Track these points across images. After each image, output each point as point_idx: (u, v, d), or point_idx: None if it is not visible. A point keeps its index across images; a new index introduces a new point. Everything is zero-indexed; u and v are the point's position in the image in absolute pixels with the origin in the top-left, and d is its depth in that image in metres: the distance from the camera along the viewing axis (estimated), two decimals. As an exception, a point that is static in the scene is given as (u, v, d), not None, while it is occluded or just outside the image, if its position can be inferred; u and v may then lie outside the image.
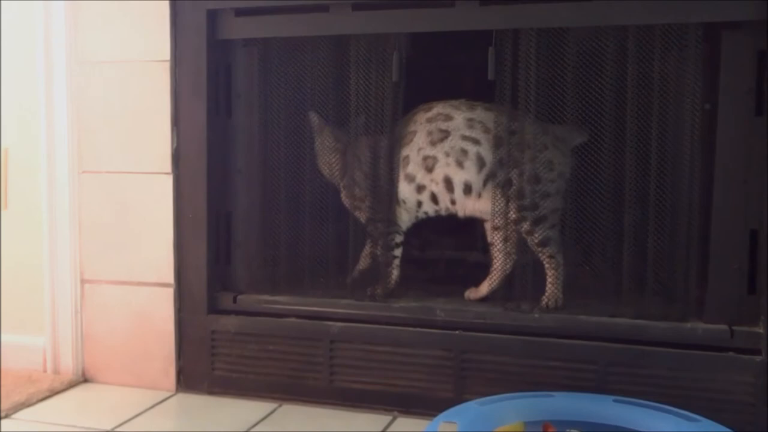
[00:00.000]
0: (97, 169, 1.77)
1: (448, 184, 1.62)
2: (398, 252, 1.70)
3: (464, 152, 1.60)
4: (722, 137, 1.45)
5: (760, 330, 1.43)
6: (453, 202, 1.64)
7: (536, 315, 1.54)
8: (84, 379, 1.80)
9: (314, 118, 1.73)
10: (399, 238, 1.70)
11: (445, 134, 1.61)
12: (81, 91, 1.76)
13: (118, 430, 1.51)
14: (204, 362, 1.71)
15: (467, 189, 1.62)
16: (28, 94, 1.81)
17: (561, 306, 1.57)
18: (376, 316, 1.62)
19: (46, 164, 1.79)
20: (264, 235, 1.75)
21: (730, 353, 1.43)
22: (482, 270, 1.67)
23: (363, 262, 1.75)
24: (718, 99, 1.44)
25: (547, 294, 1.58)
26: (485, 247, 1.68)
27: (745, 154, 1.44)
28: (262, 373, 1.68)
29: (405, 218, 1.69)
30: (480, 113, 1.61)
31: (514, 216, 1.58)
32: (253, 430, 1.52)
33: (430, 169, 1.63)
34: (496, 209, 1.60)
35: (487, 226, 1.66)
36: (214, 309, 1.72)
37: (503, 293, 1.61)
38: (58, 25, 1.76)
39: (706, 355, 1.44)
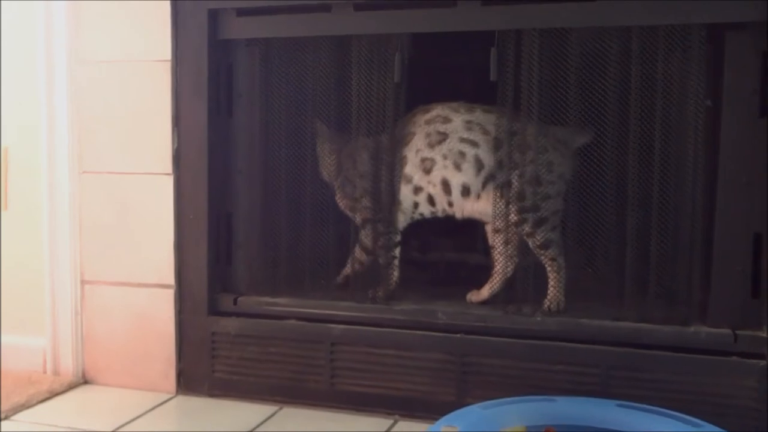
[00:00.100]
0: (98, 170, 1.76)
1: (446, 186, 1.62)
2: (396, 252, 1.69)
3: (462, 155, 1.60)
4: (726, 139, 1.44)
5: (764, 334, 1.42)
6: (450, 204, 1.64)
7: (538, 318, 1.53)
8: (84, 380, 1.79)
9: (318, 125, 1.72)
10: (397, 238, 1.69)
11: (443, 136, 1.61)
12: (82, 90, 1.76)
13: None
14: (204, 364, 1.71)
15: (465, 191, 1.61)
16: (29, 93, 1.80)
17: (563, 309, 1.56)
18: (378, 319, 1.61)
19: (46, 164, 1.78)
20: (265, 236, 1.74)
21: (734, 357, 1.42)
22: (484, 272, 1.66)
23: (349, 267, 1.75)
24: (722, 100, 1.43)
25: (549, 297, 1.57)
26: (487, 249, 1.68)
27: (749, 156, 1.42)
28: (262, 375, 1.67)
29: (400, 219, 1.68)
30: (479, 115, 1.60)
31: (514, 218, 1.58)
32: (253, 432, 1.52)
33: (427, 171, 1.63)
34: (497, 212, 1.60)
35: (488, 228, 1.65)
36: (214, 311, 1.71)
37: (505, 296, 1.60)
38: (59, 24, 1.75)
39: (709, 360, 1.43)
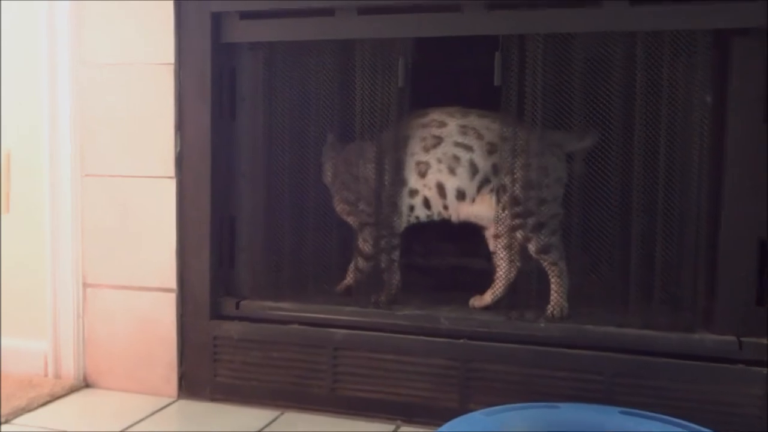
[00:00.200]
0: (100, 173, 1.75)
1: (441, 189, 1.63)
2: (395, 255, 1.68)
3: (456, 159, 1.61)
4: (731, 144, 1.43)
5: (769, 342, 1.41)
6: (446, 208, 1.65)
7: (542, 324, 1.53)
8: (85, 384, 1.79)
9: (328, 135, 1.73)
10: (394, 241, 1.68)
11: (438, 140, 1.61)
12: (84, 93, 1.75)
13: (118, 437, 1.51)
14: (206, 368, 1.70)
15: (460, 195, 1.62)
16: (31, 96, 1.80)
17: (566, 315, 1.55)
18: (380, 324, 1.60)
19: (48, 167, 1.78)
20: (268, 239, 1.74)
21: (739, 365, 1.41)
22: (487, 277, 1.66)
23: (350, 278, 1.75)
24: (728, 106, 1.43)
25: (551, 303, 1.56)
26: (489, 254, 1.67)
27: (755, 162, 1.42)
28: (264, 380, 1.66)
29: (397, 222, 1.68)
30: (473, 120, 1.61)
31: (511, 223, 1.57)
32: (255, 438, 1.51)
33: (422, 175, 1.63)
34: (493, 217, 1.60)
35: (488, 234, 1.65)
36: (216, 315, 1.71)
37: (508, 302, 1.60)
38: (61, 27, 1.75)
39: (714, 367, 1.42)
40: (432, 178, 1.63)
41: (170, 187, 1.70)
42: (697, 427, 1.30)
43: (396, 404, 1.58)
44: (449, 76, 1.75)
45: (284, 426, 1.57)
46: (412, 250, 1.81)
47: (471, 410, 1.41)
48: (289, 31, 1.64)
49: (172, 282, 1.71)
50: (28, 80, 1.80)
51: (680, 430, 1.30)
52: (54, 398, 1.69)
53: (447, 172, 1.61)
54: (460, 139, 1.61)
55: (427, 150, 1.62)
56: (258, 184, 1.72)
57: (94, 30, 1.73)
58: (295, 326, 1.65)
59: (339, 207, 1.74)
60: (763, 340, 1.41)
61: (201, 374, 1.71)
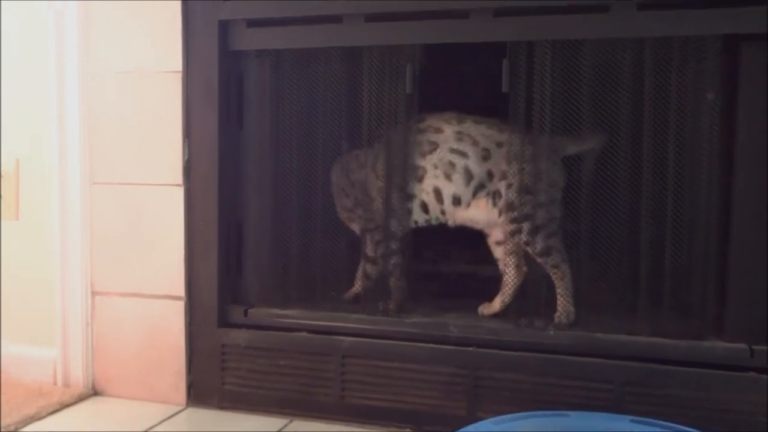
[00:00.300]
0: (109, 181, 1.76)
1: (438, 195, 1.64)
2: (397, 259, 1.68)
3: (452, 165, 1.62)
4: (741, 150, 1.42)
5: (781, 349, 1.40)
6: (443, 213, 1.66)
7: (551, 332, 1.52)
8: (94, 392, 1.79)
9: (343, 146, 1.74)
10: (393, 246, 1.68)
11: (434, 146, 1.62)
12: (93, 101, 1.76)
13: (127, 445, 1.51)
14: (214, 376, 1.70)
15: (456, 201, 1.63)
16: (40, 104, 1.80)
17: (573, 320, 1.55)
18: (388, 332, 1.60)
19: (57, 175, 1.78)
20: (275, 246, 1.74)
21: (750, 373, 1.40)
22: (496, 284, 1.65)
23: (358, 285, 1.75)
24: (737, 111, 1.42)
25: (558, 309, 1.55)
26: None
27: (765, 167, 1.41)
28: (272, 387, 1.66)
29: (395, 226, 1.68)
30: (469, 126, 1.62)
31: (509, 228, 1.58)
32: (263, 446, 1.51)
33: (419, 180, 1.64)
34: (488, 221, 1.62)
35: (490, 241, 1.66)
36: (224, 322, 1.70)
37: (517, 309, 1.59)
38: (70, 34, 1.75)
39: (725, 375, 1.41)
40: (429, 183, 1.64)
41: (178, 195, 1.70)
42: (709, 436, 1.29)
43: (404, 412, 1.57)
44: (457, 83, 1.75)
45: (292, 434, 1.58)
46: (420, 256, 1.80)
47: (480, 419, 1.41)
48: (297, 38, 1.63)
49: (180, 290, 1.71)
50: (36, 88, 1.80)
51: (691, 438, 1.29)
52: (63, 406, 1.69)
53: (443, 178, 1.63)
54: (455, 146, 1.62)
55: (423, 155, 1.63)
56: (265, 190, 1.72)
57: (103, 37, 1.74)
58: (303, 334, 1.65)
59: (342, 214, 1.75)
60: (775, 348, 1.40)
61: (209, 382, 1.71)
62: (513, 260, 1.61)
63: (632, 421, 1.36)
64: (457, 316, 1.62)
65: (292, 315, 1.67)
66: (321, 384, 1.63)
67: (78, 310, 1.78)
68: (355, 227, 1.74)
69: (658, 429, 1.33)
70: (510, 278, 1.62)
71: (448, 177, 1.62)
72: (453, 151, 1.62)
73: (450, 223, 1.67)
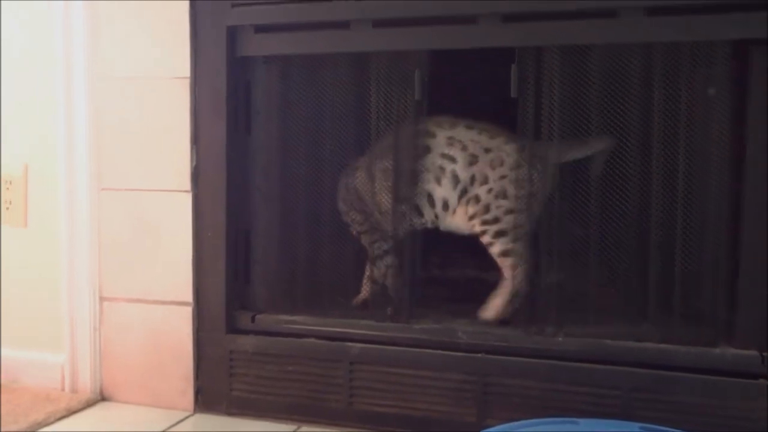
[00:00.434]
0: (117, 187, 1.76)
1: (430, 199, 1.65)
2: (389, 260, 1.69)
3: (442, 169, 1.64)
4: (752, 155, 1.41)
5: (792, 356, 1.39)
6: (436, 217, 1.67)
7: (560, 339, 1.51)
8: (102, 397, 1.79)
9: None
10: (384, 246, 1.71)
11: (427, 151, 1.64)
12: (100, 107, 1.76)
13: (135, 452, 1.51)
14: (222, 382, 1.70)
15: (445, 205, 1.65)
16: (48, 109, 1.80)
17: (503, 318, 1.59)
18: (397, 338, 1.59)
19: (65, 181, 1.78)
20: (283, 252, 1.74)
21: (761, 380, 1.39)
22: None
23: (365, 291, 1.75)
24: (747, 117, 1.41)
25: (488, 305, 1.61)
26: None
27: (776, 173, 1.40)
28: (280, 394, 1.66)
29: (389, 228, 1.69)
30: (460, 131, 1.64)
31: (477, 229, 1.61)
32: (271, 453, 1.51)
33: (413, 183, 1.65)
34: (465, 227, 1.65)
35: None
36: (232, 328, 1.70)
37: (526, 316, 1.58)
38: (77, 40, 1.75)
39: (735, 382, 1.40)
40: (422, 187, 1.65)
41: (186, 201, 1.70)
42: (720, 444, 1.28)
43: (413, 419, 1.57)
44: (465, 88, 1.74)
45: (301, 441, 1.57)
46: (429, 261, 1.80)
47: (489, 425, 1.40)
48: (304, 44, 1.63)
49: (188, 295, 1.71)
50: (44, 94, 1.81)
51: (702, 446, 1.28)
52: (71, 412, 1.69)
53: (434, 182, 1.65)
54: (446, 150, 1.64)
55: (416, 159, 1.64)
56: (273, 197, 1.72)
57: (110, 44, 1.74)
58: (311, 340, 1.65)
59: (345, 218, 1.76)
60: (786, 355, 1.39)
61: (217, 388, 1.70)
62: (506, 261, 1.61)
63: (642, 428, 1.35)
64: (466, 322, 1.62)
65: (300, 321, 1.67)
66: (329, 390, 1.63)
67: (86, 316, 1.78)
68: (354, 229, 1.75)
69: (668, 436, 1.33)
70: (506, 280, 1.62)
71: (438, 181, 1.64)
72: (443, 156, 1.64)
73: (442, 227, 1.68)
